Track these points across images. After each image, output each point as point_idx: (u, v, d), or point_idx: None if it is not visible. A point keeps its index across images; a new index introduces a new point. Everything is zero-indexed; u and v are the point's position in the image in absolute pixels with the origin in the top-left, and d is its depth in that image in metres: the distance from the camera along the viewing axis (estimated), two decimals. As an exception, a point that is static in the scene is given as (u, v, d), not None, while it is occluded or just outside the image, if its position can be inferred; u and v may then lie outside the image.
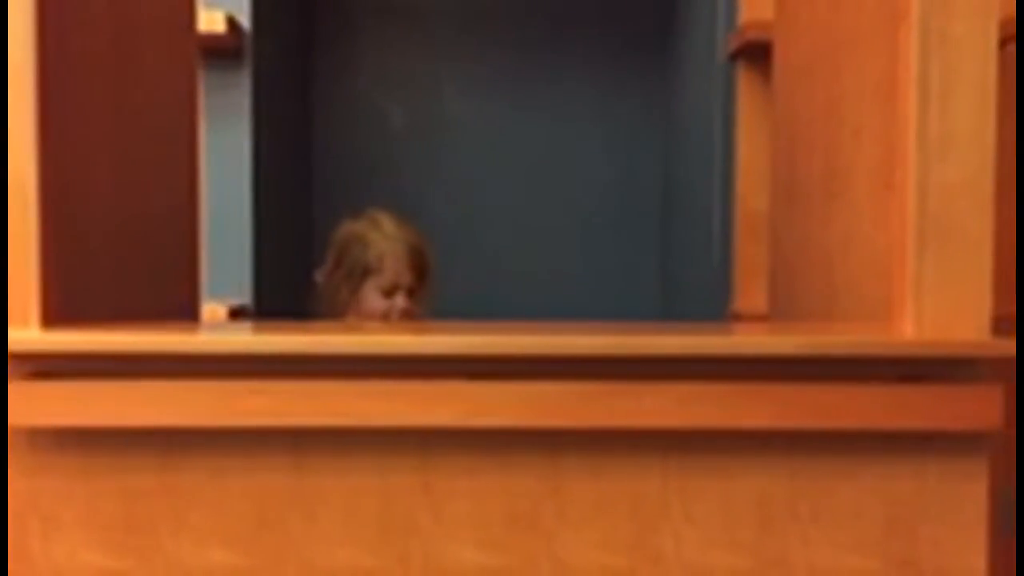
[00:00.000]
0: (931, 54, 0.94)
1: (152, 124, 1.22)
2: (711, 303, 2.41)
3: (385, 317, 1.83)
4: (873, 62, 1.07)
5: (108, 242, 1.09)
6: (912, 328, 0.95)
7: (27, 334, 0.92)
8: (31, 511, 0.95)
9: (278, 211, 2.68)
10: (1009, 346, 0.90)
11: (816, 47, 1.30)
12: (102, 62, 1.08)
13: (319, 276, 1.91)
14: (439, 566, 0.95)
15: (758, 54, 2.05)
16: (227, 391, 0.91)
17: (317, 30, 3.35)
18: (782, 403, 0.91)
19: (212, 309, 2.02)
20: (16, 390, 0.90)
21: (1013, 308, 1.29)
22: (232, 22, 2.17)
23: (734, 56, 2.20)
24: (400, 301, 1.83)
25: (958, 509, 0.95)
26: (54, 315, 0.95)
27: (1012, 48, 1.48)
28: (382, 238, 1.85)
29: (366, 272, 1.83)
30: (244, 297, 2.28)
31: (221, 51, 2.21)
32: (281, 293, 2.60)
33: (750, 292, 2.14)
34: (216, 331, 1.04)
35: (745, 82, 2.17)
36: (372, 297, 1.84)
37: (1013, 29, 1.47)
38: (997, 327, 0.95)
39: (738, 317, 2.14)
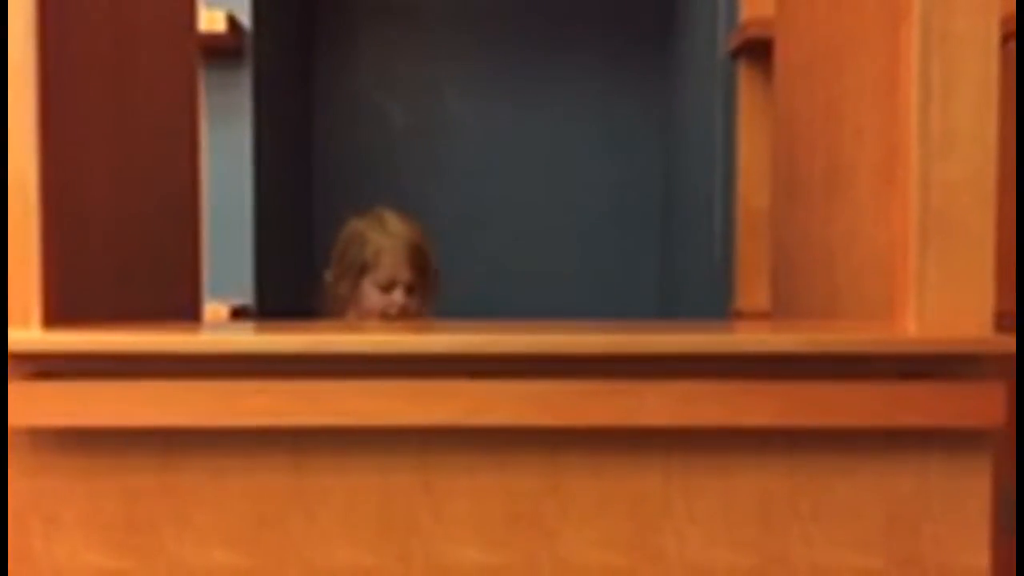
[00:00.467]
0: (932, 51, 0.94)
1: (153, 124, 1.22)
2: (712, 301, 2.41)
3: (384, 314, 1.82)
4: (874, 59, 1.07)
5: (109, 242, 1.09)
6: (914, 325, 0.95)
7: (28, 334, 0.91)
8: (32, 511, 0.95)
9: (279, 211, 2.68)
10: (1011, 343, 0.90)
11: (817, 45, 1.30)
12: (103, 62, 1.08)
13: (329, 276, 1.91)
14: (440, 565, 0.95)
15: (759, 51, 2.04)
16: (228, 391, 0.91)
17: (317, 30, 3.35)
18: (784, 401, 0.91)
19: (214, 309, 2.02)
20: (17, 390, 0.90)
21: (1014, 304, 1.29)
22: (232, 21, 2.17)
23: (735, 53, 2.19)
24: (398, 297, 1.82)
25: (961, 507, 0.95)
26: (55, 315, 0.94)
27: (1013, 45, 1.48)
28: (381, 235, 1.84)
29: (363, 268, 1.83)
30: (246, 297, 2.28)
31: (222, 51, 2.21)
32: (283, 293, 2.60)
33: (751, 290, 2.14)
34: (217, 331, 1.04)
35: (746, 79, 2.16)
36: (370, 293, 1.83)
37: (1014, 26, 1.47)
38: (998, 323, 0.95)
39: (740, 315, 2.14)
